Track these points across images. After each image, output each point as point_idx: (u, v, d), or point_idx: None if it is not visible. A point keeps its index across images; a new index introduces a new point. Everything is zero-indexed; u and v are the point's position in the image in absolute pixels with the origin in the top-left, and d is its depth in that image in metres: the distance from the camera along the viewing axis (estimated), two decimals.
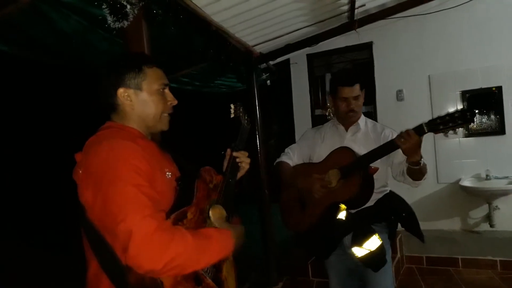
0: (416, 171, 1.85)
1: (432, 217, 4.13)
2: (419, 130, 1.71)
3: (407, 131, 1.72)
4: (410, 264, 3.90)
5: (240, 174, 1.53)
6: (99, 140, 1.15)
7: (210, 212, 1.30)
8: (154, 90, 1.25)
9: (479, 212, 3.99)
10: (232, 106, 1.57)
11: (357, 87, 2.05)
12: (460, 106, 4.04)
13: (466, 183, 3.85)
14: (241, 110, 1.59)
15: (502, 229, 3.85)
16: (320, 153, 2.15)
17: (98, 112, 1.28)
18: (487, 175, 3.87)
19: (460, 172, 4.04)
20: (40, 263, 5.06)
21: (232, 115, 1.57)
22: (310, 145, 2.26)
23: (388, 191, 2.14)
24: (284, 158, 2.30)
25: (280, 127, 5.24)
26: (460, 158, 4.07)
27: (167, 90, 1.31)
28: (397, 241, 3.67)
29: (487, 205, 3.85)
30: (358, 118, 2.16)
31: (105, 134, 1.19)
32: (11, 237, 6.16)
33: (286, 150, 2.36)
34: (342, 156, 1.98)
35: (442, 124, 1.66)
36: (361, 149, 1.96)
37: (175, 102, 1.33)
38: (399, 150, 1.79)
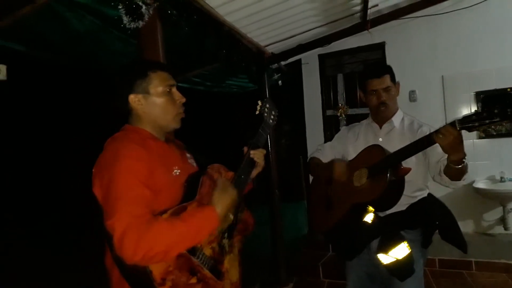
0: (457, 171, 1.67)
1: None
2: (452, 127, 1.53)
3: (445, 127, 1.54)
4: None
5: (256, 172, 1.57)
6: (112, 140, 1.29)
7: None
8: (161, 92, 1.35)
9: (493, 215, 3.94)
10: (259, 102, 1.58)
11: (386, 78, 1.93)
12: (474, 107, 3.99)
13: (480, 185, 3.81)
14: (267, 106, 1.60)
15: None
16: (353, 151, 2.04)
17: (117, 115, 1.38)
18: (501, 177, 3.82)
19: (474, 173, 3.98)
20: (41, 262, 5.11)
21: (257, 112, 1.58)
22: (343, 143, 2.16)
23: (425, 196, 1.97)
24: (315, 154, 2.23)
25: (291, 127, 5.23)
26: (474, 160, 4.01)
27: (174, 90, 1.40)
28: None
29: (501, 207, 3.80)
30: (392, 113, 2.00)
31: (118, 136, 1.32)
32: (11, 236, 6.23)
33: (318, 146, 2.28)
34: (372, 155, 1.85)
35: (478, 121, 1.45)
36: (395, 149, 1.79)
37: (184, 99, 1.41)
38: (436, 149, 1.64)
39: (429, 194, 2.00)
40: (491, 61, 3.93)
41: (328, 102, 4.85)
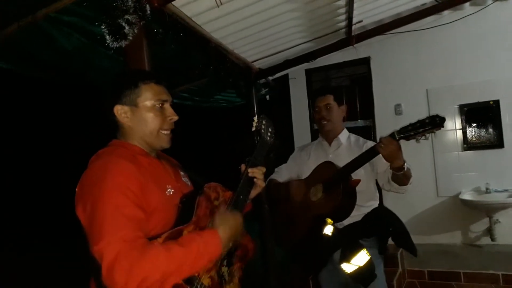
0: (400, 177, 1.87)
1: (432, 230, 4.11)
2: (392, 138, 1.75)
3: (386, 138, 1.76)
4: (412, 278, 3.85)
5: (255, 192, 1.46)
6: (97, 157, 1.18)
7: None
8: (150, 106, 1.23)
9: (480, 226, 3.98)
10: (254, 119, 1.52)
11: (329, 97, 2.17)
12: (458, 120, 4.07)
13: (466, 196, 3.85)
14: (263, 123, 1.51)
15: (503, 243, 3.83)
16: (307, 169, 2.20)
17: (106, 129, 1.29)
18: (487, 189, 3.87)
19: (460, 185, 4.04)
20: (42, 267, 5.02)
21: (253, 129, 1.50)
22: (297, 163, 2.35)
23: (376, 206, 2.16)
24: (273, 176, 2.39)
25: (279, 141, 5.26)
26: (459, 172, 4.07)
27: (166, 106, 1.28)
28: (398, 255, 3.65)
29: (488, 218, 3.84)
30: (338, 132, 2.24)
31: (104, 152, 1.21)
32: (12, 241, 6.12)
33: (275, 169, 2.45)
34: (325, 171, 2.03)
35: (413, 130, 1.69)
36: (344, 163, 1.97)
37: (176, 117, 1.29)
38: (382, 160, 1.81)
39: (380, 204, 2.20)
40: (474, 75, 4.02)
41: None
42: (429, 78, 4.20)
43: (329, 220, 1.98)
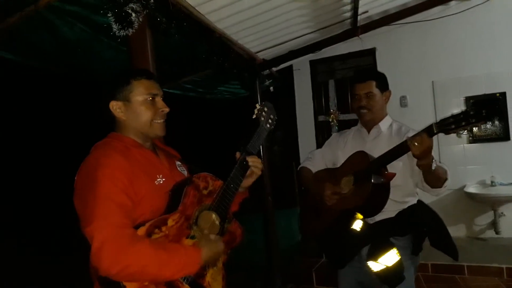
0: (432, 177, 1.70)
1: None
2: (429, 131, 1.54)
3: (420, 135, 1.56)
4: None
5: (250, 180, 1.50)
6: (95, 148, 1.30)
7: (199, 218, 1.31)
8: (142, 101, 1.34)
9: (485, 219, 3.96)
10: (257, 106, 1.49)
11: (370, 84, 1.95)
12: None
13: (471, 189, 3.83)
14: (264, 110, 1.50)
15: (508, 236, 3.82)
16: (343, 157, 2.02)
17: (105, 122, 1.38)
18: (492, 182, 3.85)
19: (464, 178, 4.01)
20: (41, 266, 5.05)
21: (254, 116, 1.49)
22: (333, 150, 2.16)
23: (414, 202, 1.97)
24: (305, 163, 2.23)
25: (283, 133, 5.23)
26: (464, 164, 4.05)
27: (157, 99, 1.38)
28: None
29: (493, 211, 3.82)
30: (379, 119, 2.01)
31: (101, 144, 1.33)
32: (12, 240, 6.15)
33: (309, 154, 2.28)
34: (358, 161, 1.86)
35: (455, 123, 1.47)
36: (382, 153, 1.77)
37: (167, 109, 1.39)
38: None
39: (419, 201, 2.00)
40: (480, 67, 3.97)
41: (319, 108, 4.86)
42: (435, 70, 4.16)
43: (358, 215, 1.85)
